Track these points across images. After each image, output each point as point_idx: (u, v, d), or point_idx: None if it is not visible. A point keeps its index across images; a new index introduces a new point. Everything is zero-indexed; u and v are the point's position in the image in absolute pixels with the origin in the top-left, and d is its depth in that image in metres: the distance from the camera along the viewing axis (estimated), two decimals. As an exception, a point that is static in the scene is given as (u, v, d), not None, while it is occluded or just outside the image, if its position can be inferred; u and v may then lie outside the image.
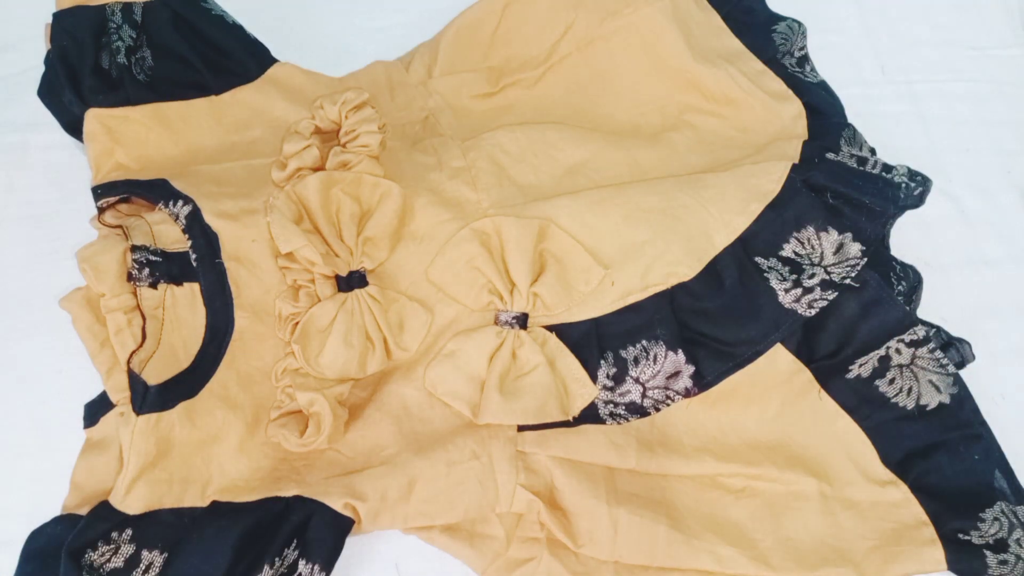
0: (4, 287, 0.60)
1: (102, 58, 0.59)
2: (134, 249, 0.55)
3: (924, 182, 0.59)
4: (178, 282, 0.55)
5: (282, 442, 0.52)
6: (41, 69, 0.61)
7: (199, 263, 0.54)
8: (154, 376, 0.51)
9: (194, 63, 0.61)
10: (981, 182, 0.69)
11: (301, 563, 0.49)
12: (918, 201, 0.59)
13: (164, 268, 0.55)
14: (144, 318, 0.53)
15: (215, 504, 0.51)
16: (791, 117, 0.65)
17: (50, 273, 0.60)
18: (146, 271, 0.54)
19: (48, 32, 0.60)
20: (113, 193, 0.57)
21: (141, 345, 0.52)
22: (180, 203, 0.56)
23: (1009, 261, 0.65)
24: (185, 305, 0.55)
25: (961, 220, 0.67)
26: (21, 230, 0.62)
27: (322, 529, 0.50)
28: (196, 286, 0.55)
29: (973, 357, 0.57)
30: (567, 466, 0.53)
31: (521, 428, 0.54)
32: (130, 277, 0.54)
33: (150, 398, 0.50)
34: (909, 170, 0.60)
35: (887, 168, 0.60)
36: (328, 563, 0.49)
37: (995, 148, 0.70)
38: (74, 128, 0.61)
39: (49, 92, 0.61)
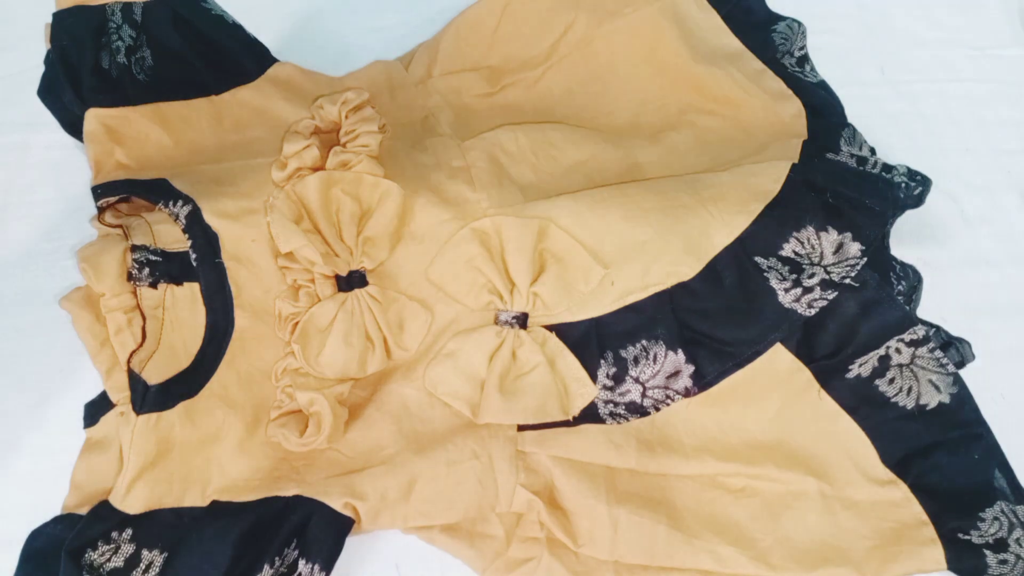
0: (4, 287, 0.60)
1: (102, 58, 0.59)
2: (134, 249, 0.54)
3: (924, 182, 0.59)
4: (178, 282, 0.55)
5: (282, 442, 0.52)
6: (41, 69, 0.61)
7: (199, 263, 0.54)
8: (154, 376, 0.51)
9: (194, 63, 0.61)
10: (981, 182, 0.69)
11: (301, 563, 0.49)
12: (918, 201, 0.59)
13: (164, 268, 0.55)
14: (144, 318, 0.53)
15: (215, 504, 0.51)
16: (791, 116, 0.65)
17: (50, 273, 0.60)
18: (146, 271, 0.54)
19: (48, 32, 0.60)
20: (113, 193, 0.57)
21: (141, 345, 0.52)
22: (180, 203, 0.55)
23: (1009, 261, 0.65)
24: (185, 305, 0.55)
25: (961, 220, 0.67)
26: (21, 230, 0.62)
27: (322, 529, 0.50)
28: (196, 286, 0.55)
29: (973, 357, 0.57)
30: (567, 466, 0.53)
31: (521, 428, 0.54)
32: (130, 277, 0.54)
33: (150, 398, 0.50)
34: (909, 170, 0.60)
35: (887, 168, 0.60)
36: (328, 563, 0.49)
37: (995, 148, 0.70)
38: (74, 128, 0.61)
39: (49, 92, 0.61)
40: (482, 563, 0.51)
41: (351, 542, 0.50)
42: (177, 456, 0.51)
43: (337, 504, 0.50)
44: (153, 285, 0.54)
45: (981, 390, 0.56)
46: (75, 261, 0.57)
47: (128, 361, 0.51)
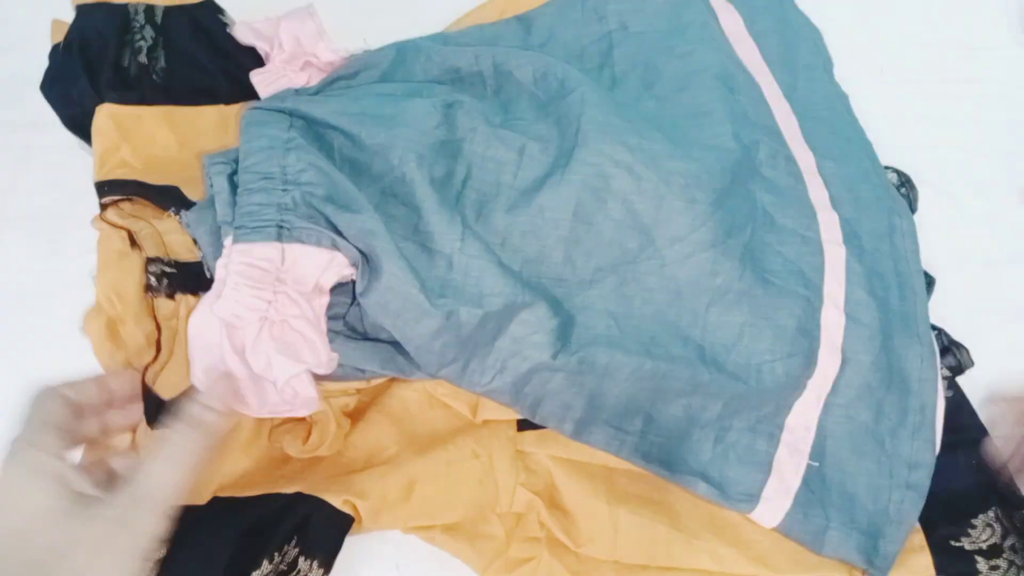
0: (4, 287, 0.60)
1: (123, 55, 0.60)
2: (149, 262, 0.55)
3: (908, 192, 0.59)
4: (194, 292, 0.55)
5: (285, 447, 0.52)
6: (42, 69, 0.61)
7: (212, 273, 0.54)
8: (167, 387, 0.51)
9: (208, 70, 0.62)
10: (981, 182, 0.68)
11: (301, 560, 0.49)
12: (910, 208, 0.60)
13: (180, 279, 0.55)
14: (159, 329, 0.53)
15: (215, 499, 0.51)
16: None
17: (50, 273, 0.60)
18: (164, 282, 0.55)
19: (55, 28, 0.60)
20: (121, 192, 0.57)
21: (155, 359, 0.52)
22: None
23: (1008, 261, 0.65)
24: (198, 313, 0.55)
25: (960, 220, 0.67)
26: (21, 230, 0.62)
27: (322, 526, 0.50)
28: None
29: (972, 363, 0.57)
30: (567, 466, 0.53)
31: (521, 428, 0.54)
32: (148, 288, 0.54)
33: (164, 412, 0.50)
34: (898, 175, 0.60)
35: None
36: (328, 560, 0.49)
37: (995, 148, 0.70)
38: (75, 124, 0.61)
39: (52, 86, 0.61)
40: (482, 563, 0.51)
41: (351, 541, 0.50)
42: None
43: (337, 502, 0.50)
44: (170, 296, 0.55)
45: (980, 391, 0.56)
46: (75, 261, 0.58)
47: (143, 374, 0.51)
